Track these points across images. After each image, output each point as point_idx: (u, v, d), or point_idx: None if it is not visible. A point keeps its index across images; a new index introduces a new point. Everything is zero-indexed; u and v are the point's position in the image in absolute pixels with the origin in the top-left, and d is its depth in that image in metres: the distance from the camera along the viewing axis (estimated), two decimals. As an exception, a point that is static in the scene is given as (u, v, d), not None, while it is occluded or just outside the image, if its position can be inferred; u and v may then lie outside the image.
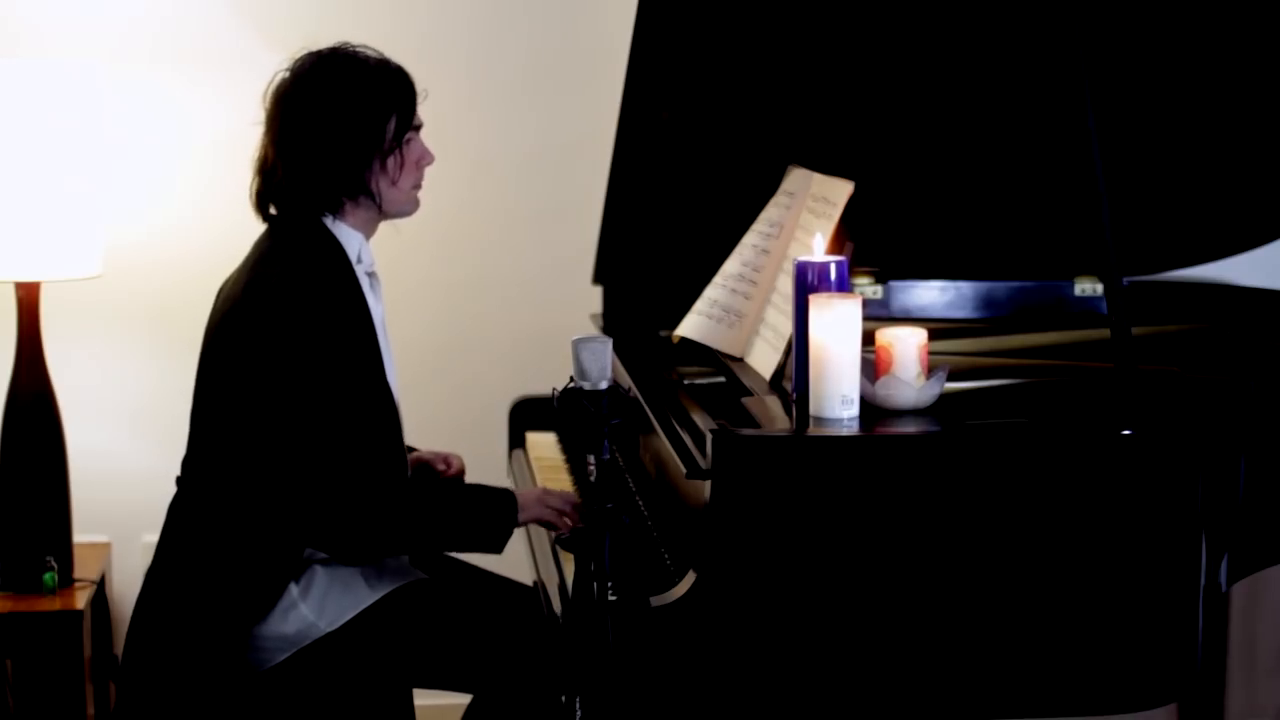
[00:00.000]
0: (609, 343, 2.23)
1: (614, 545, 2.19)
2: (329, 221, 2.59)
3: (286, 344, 2.47)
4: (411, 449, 2.81)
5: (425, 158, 2.64)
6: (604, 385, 2.22)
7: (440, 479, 2.84)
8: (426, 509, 2.54)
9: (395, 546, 2.58)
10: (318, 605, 2.54)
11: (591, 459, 2.23)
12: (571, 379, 2.24)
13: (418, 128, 2.63)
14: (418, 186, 2.65)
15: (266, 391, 2.48)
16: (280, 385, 2.48)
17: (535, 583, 2.67)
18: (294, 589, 2.54)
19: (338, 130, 2.55)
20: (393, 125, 2.58)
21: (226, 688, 2.52)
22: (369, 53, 2.63)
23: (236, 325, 2.53)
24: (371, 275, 2.65)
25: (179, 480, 2.64)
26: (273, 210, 2.62)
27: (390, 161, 2.59)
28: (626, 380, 2.92)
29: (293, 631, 2.53)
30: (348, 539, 2.50)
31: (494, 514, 2.55)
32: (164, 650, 2.55)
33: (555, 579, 2.58)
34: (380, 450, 2.55)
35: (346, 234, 2.60)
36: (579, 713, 2.22)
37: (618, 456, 3.13)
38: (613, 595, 2.44)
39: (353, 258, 2.60)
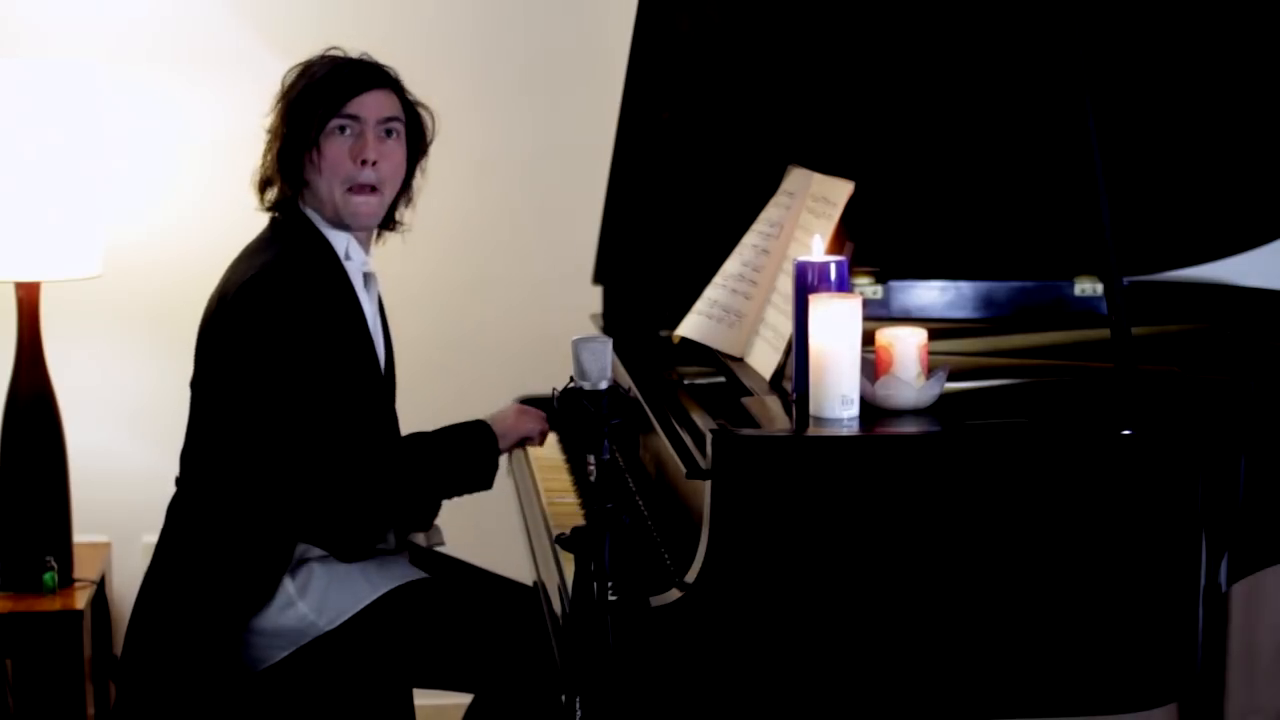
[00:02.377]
0: (609, 343, 2.22)
1: (614, 545, 2.19)
2: (314, 218, 2.62)
3: (266, 335, 2.49)
4: None
5: (359, 153, 2.59)
6: (604, 385, 2.22)
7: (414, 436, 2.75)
8: (412, 476, 2.58)
9: (388, 521, 2.62)
10: (317, 603, 2.54)
11: (591, 459, 2.22)
12: (571, 379, 2.24)
13: (352, 118, 2.59)
14: (352, 189, 2.60)
15: (247, 382, 2.50)
16: (259, 375, 2.49)
17: (535, 583, 2.68)
18: (291, 586, 2.54)
19: (275, 124, 2.62)
20: (316, 119, 2.58)
21: (225, 686, 2.52)
22: (336, 53, 2.66)
23: (220, 319, 2.55)
24: (368, 275, 2.67)
25: (177, 479, 2.65)
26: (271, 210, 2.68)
27: (313, 154, 2.59)
28: (626, 380, 2.92)
29: (291, 628, 2.53)
30: (336, 529, 2.52)
31: (478, 453, 2.62)
32: (163, 649, 2.55)
33: (555, 579, 2.58)
34: (362, 436, 2.55)
35: (332, 233, 2.63)
36: (579, 713, 2.22)
37: (618, 456, 3.13)
38: (613, 595, 2.44)
39: (340, 254, 2.62)
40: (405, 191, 2.73)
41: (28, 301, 3.33)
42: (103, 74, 3.41)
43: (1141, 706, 2.34)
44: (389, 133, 2.63)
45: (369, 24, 3.64)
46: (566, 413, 2.23)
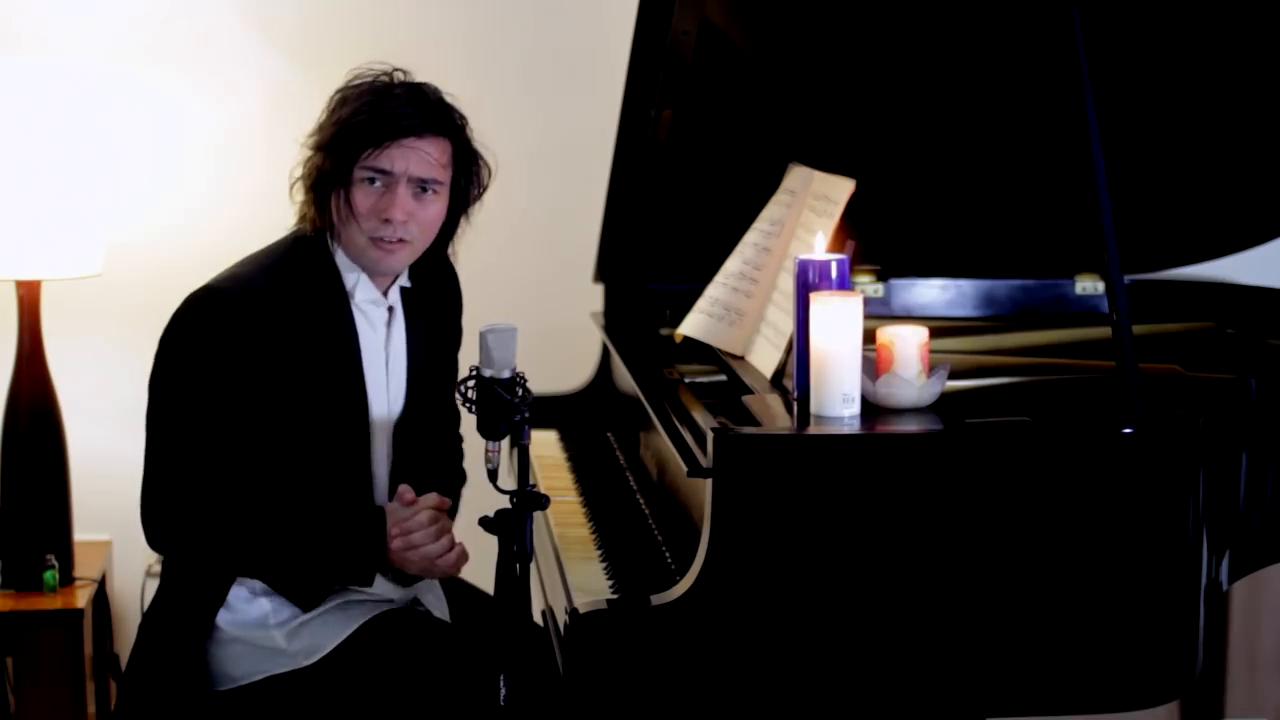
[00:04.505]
0: (515, 331, 2.26)
1: (535, 527, 2.25)
2: (334, 248, 2.51)
3: (181, 345, 2.44)
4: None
5: (383, 210, 2.43)
6: (506, 374, 2.25)
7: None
8: (255, 539, 2.43)
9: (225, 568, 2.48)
10: (290, 633, 2.48)
11: (492, 446, 2.26)
12: (473, 367, 2.27)
13: (382, 171, 2.43)
14: (375, 241, 2.45)
15: (152, 384, 2.46)
16: (158, 380, 2.45)
17: (544, 611, 2.65)
18: (268, 605, 2.50)
19: (312, 146, 2.48)
20: (344, 162, 2.43)
21: (192, 699, 2.48)
22: (394, 78, 2.49)
23: (171, 319, 2.48)
24: (377, 312, 2.55)
25: None
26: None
27: (339, 196, 2.44)
28: (629, 380, 2.92)
29: (260, 643, 2.48)
30: (168, 550, 2.48)
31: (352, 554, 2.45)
32: (146, 656, 2.53)
33: (557, 579, 2.58)
34: (231, 475, 2.42)
35: (346, 266, 2.51)
36: (504, 690, 2.24)
37: (619, 455, 3.13)
38: (614, 593, 2.44)
39: (349, 288, 2.51)
40: (446, 240, 2.59)
41: (29, 300, 3.33)
42: (103, 73, 3.41)
43: (1143, 704, 2.34)
44: (424, 189, 2.46)
45: (369, 23, 3.64)
46: (479, 401, 2.26)
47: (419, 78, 2.55)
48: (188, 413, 2.43)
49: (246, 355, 2.42)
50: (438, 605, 2.63)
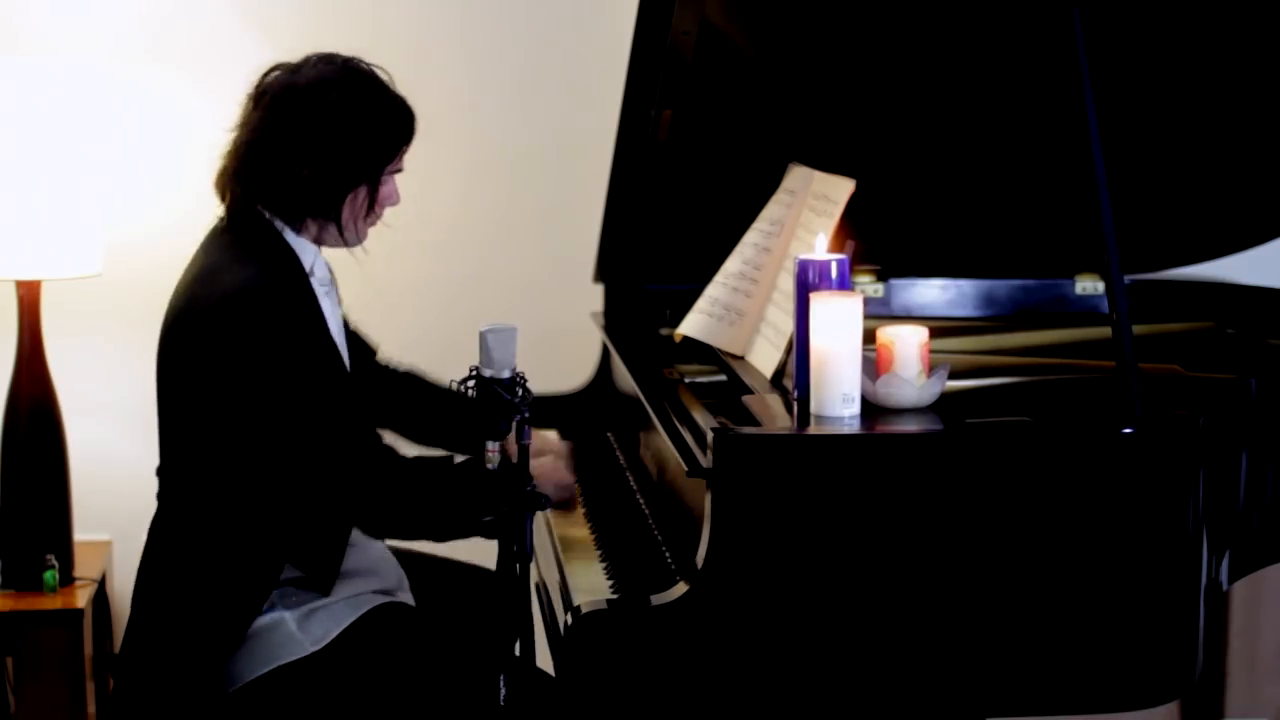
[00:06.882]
0: (515, 331, 2.28)
1: (535, 527, 2.28)
2: (283, 230, 2.55)
3: (246, 354, 2.43)
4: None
5: (393, 199, 2.60)
6: (506, 374, 2.26)
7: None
8: (398, 490, 2.51)
9: (378, 522, 2.55)
10: (301, 619, 2.49)
11: (492, 446, 2.27)
12: (473, 368, 2.28)
13: (398, 170, 2.59)
14: (374, 224, 2.61)
15: (227, 401, 2.45)
16: (240, 395, 2.44)
17: (538, 584, 2.66)
18: (276, 597, 2.51)
19: (336, 148, 2.51)
20: (385, 161, 2.55)
21: (209, 701, 2.48)
22: (383, 77, 2.58)
23: (195, 333, 2.48)
24: (327, 286, 2.62)
25: (158, 494, 2.60)
26: (228, 202, 2.58)
27: (357, 196, 2.55)
28: (629, 380, 2.92)
29: (272, 639, 2.48)
30: (326, 540, 2.49)
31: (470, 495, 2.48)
32: (155, 657, 2.52)
33: (557, 579, 2.58)
34: (346, 449, 2.48)
35: (302, 245, 2.56)
36: (503, 690, 2.25)
37: (620, 455, 3.13)
38: (614, 593, 2.45)
39: (307, 267, 2.55)
40: None
41: (29, 300, 3.33)
42: (104, 73, 3.41)
43: (1143, 704, 2.34)
44: None
45: (368, 22, 3.64)
46: (479, 401, 2.27)
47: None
48: (302, 403, 2.45)
49: (290, 347, 2.46)
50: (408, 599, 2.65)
